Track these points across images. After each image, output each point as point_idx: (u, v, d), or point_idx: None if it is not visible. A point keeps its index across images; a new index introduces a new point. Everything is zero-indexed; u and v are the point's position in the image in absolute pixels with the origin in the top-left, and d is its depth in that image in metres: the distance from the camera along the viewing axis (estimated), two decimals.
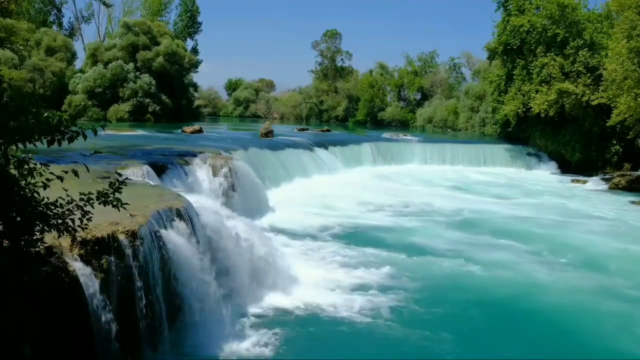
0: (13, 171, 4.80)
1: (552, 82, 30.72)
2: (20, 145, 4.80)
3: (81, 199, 5.27)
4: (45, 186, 4.95)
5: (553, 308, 10.24)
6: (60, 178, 4.94)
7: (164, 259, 7.68)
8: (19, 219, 4.84)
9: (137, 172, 12.82)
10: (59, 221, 5.08)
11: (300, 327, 8.82)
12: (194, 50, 65.33)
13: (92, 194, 5.34)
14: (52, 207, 5.07)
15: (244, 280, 9.65)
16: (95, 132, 4.93)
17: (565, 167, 32.36)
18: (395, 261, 12.53)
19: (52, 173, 4.92)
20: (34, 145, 4.85)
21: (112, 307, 6.39)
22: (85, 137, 4.88)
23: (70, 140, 4.86)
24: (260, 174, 19.36)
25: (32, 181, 4.90)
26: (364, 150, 31.65)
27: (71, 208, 5.21)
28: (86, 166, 5.29)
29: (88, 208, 5.30)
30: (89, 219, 5.30)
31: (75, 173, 5.05)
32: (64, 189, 5.17)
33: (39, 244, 5.14)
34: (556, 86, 30.23)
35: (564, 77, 30.63)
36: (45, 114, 4.82)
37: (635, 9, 25.35)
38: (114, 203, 5.42)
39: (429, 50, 71.67)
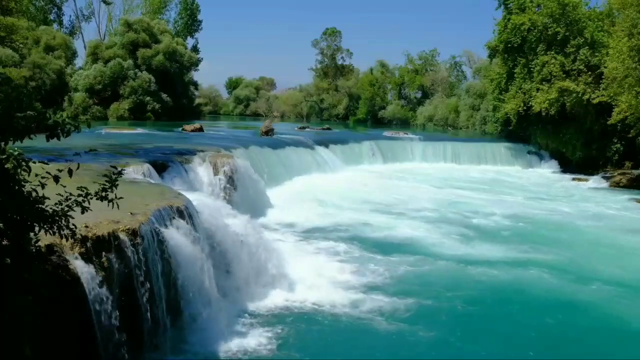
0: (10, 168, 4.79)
1: (553, 80, 30.67)
2: (16, 142, 4.79)
3: (79, 195, 5.25)
4: (42, 185, 4.93)
5: (558, 307, 10.27)
6: (57, 178, 4.92)
7: (165, 257, 7.68)
8: (17, 217, 4.83)
9: (138, 171, 12.83)
10: (58, 218, 5.06)
11: (300, 326, 8.82)
12: (194, 49, 65.30)
13: (88, 190, 5.29)
14: (51, 205, 5.06)
15: (244, 278, 9.66)
16: (89, 125, 5.05)
17: (566, 166, 32.32)
18: (396, 260, 12.51)
19: (48, 173, 4.91)
20: (30, 138, 4.85)
21: (113, 305, 6.39)
22: (79, 129, 4.94)
23: (68, 134, 4.87)
24: (261, 172, 19.36)
25: (29, 178, 4.89)
26: (365, 149, 31.66)
27: (70, 204, 5.20)
28: (78, 164, 5.26)
29: (86, 204, 5.27)
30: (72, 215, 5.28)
31: (70, 172, 5.02)
32: (62, 186, 5.16)
33: (39, 242, 5.13)
34: (557, 84, 30.19)
35: (564, 75, 30.59)
36: (45, 111, 4.83)
37: (636, 7, 25.30)
38: (109, 199, 5.38)
39: (429, 48, 71.72)
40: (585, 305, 10.33)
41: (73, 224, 5.22)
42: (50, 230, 5.04)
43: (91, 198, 5.28)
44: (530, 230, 16.47)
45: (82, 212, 5.24)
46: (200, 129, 31.18)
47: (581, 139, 31.36)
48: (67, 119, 4.87)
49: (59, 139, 4.87)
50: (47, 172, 4.90)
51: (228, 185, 15.62)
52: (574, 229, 16.95)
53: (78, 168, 5.16)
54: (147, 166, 13.46)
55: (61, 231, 5.09)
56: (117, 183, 5.44)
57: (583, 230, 16.86)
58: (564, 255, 13.56)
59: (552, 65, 30.81)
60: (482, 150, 34.55)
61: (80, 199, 5.23)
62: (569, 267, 12.58)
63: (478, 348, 8.46)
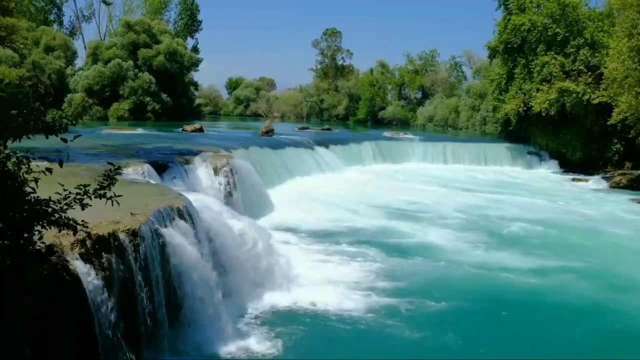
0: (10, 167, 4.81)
1: (553, 80, 30.68)
2: (15, 142, 4.82)
3: (78, 193, 5.25)
4: (36, 180, 4.97)
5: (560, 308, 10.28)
6: (49, 170, 4.97)
7: (165, 257, 7.68)
8: (17, 216, 4.83)
9: (137, 171, 12.83)
10: (58, 216, 5.06)
11: (300, 326, 8.81)
12: (195, 49, 65.23)
13: (88, 186, 5.30)
14: (50, 203, 5.06)
15: (244, 278, 9.65)
16: (81, 118, 5.11)
17: (566, 166, 32.31)
18: (397, 261, 12.50)
19: (46, 169, 4.94)
20: (28, 137, 4.87)
21: (113, 305, 6.39)
22: (75, 123, 4.98)
23: (65, 129, 4.92)
24: (261, 172, 19.36)
25: (28, 176, 4.91)
26: (365, 149, 31.65)
27: (69, 202, 5.20)
28: (67, 155, 5.32)
29: (86, 201, 5.27)
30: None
31: (61, 163, 5.07)
32: (60, 184, 5.17)
33: (39, 242, 5.13)
34: (557, 85, 30.20)
35: (564, 75, 30.60)
36: (41, 109, 4.88)
37: (636, 7, 25.31)
38: (107, 196, 5.37)
39: (430, 48, 71.65)
40: (612, 311, 10.13)
41: (74, 220, 5.23)
42: (50, 227, 5.05)
43: (89, 196, 5.28)
44: (547, 233, 16.15)
45: (83, 209, 5.24)
46: (201, 130, 31.21)
47: (581, 140, 31.38)
48: (63, 115, 4.92)
49: (56, 135, 4.91)
50: (45, 169, 4.92)
51: (228, 186, 15.62)
52: (592, 232, 16.60)
53: (68, 159, 5.19)
54: (147, 166, 13.47)
55: (62, 230, 5.10)
56: (115, 180, 5.44)
57: (602, 234, 16.47)
58: (587, 260, 13.25)
59: (552, 66, 30.82)
60: (483, 151, 34.51)
61: (79, 196, 5.24)
62: (593, 271, 12.35)
63: (505, 354, 8.38)
